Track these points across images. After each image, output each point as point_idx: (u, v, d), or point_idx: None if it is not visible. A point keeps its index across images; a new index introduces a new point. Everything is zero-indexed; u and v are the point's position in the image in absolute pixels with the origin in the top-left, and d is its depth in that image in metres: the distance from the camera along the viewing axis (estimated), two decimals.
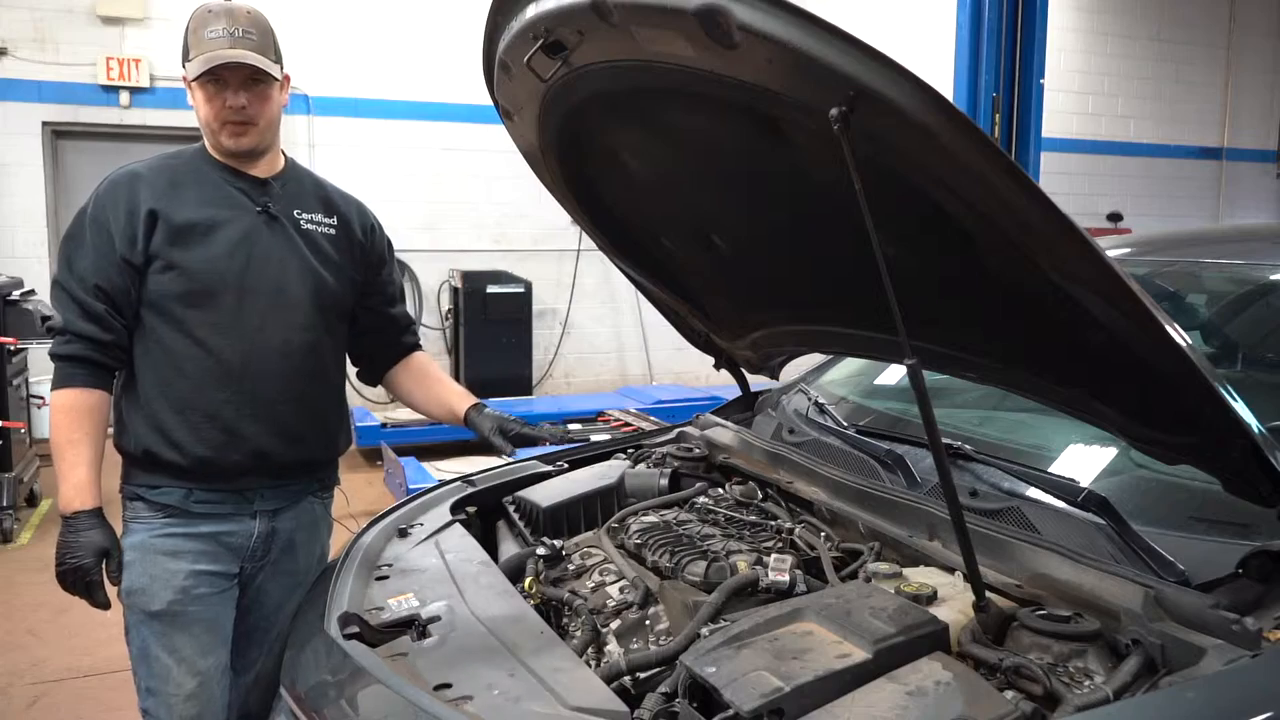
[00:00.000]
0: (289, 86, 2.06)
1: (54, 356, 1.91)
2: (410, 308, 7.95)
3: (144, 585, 1.95)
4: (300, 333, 2.02)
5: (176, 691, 1.95)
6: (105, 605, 1.91)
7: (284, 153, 2.12)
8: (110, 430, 1.99)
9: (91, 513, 1.89)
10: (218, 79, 1.91)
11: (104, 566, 1.88)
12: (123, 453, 2.01)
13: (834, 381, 2.57)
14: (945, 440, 1.58)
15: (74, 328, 1.90)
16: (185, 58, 1.93)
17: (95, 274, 1.90)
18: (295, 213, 2.06)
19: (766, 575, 1.58)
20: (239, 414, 1.96)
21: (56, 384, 1.92)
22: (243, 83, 1.92)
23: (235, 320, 1.96)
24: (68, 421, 1.90)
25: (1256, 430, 1.26)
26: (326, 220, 2.10)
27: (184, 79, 1.98)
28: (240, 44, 1.89)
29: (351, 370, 2.27)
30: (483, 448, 2.16)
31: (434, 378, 2.32)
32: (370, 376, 2.33)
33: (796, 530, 1.84)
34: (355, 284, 2.15)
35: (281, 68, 1.99)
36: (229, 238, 1.96)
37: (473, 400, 2.22)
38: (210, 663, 1.99)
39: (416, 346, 2.34)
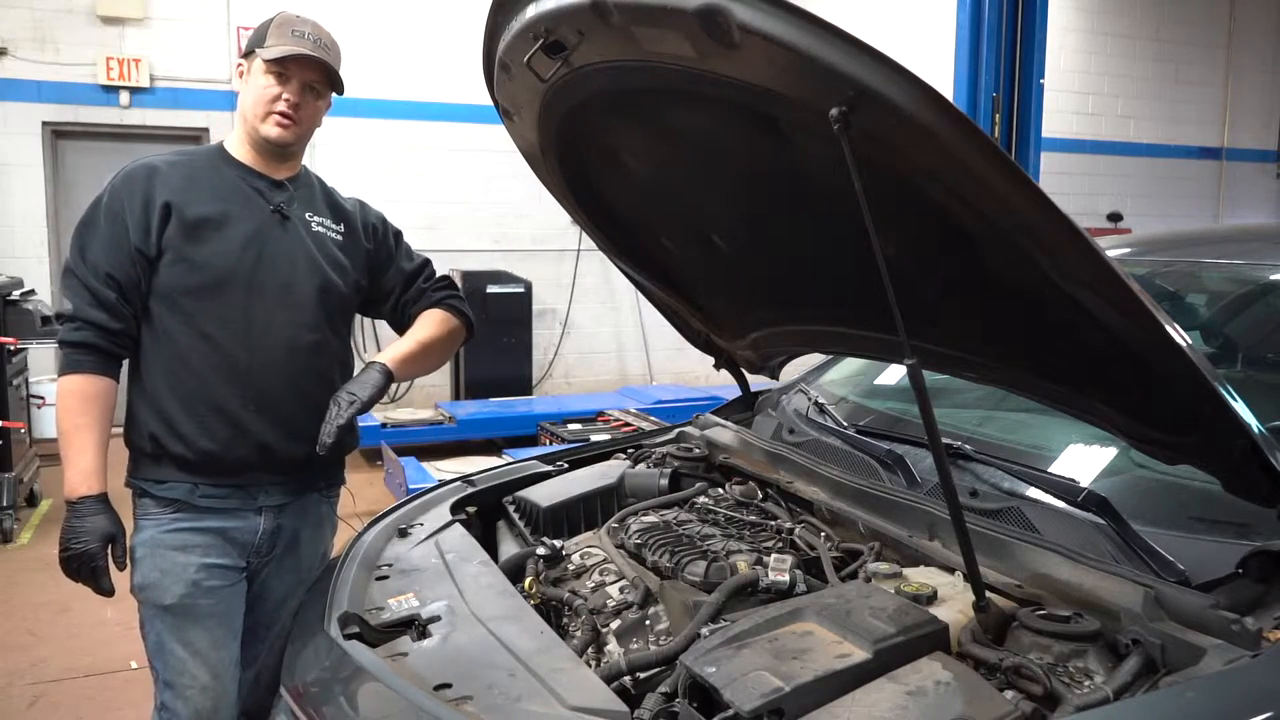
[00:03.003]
0: (327, 110, 2.12)
1: (62, 343, 1.93)
2: None
3: (155, 580, 1.97)
4: (306, 331, 2.04)
5: (192, 684, 1.97)
6: (109, 592, 1.91)
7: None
8: (121, 424, 2.01)
9: (97, 498, 1.90)
10: (284, 72, 1.98)
11: (109, 552, 1.89)
12: (130, 445, 2.03)
13: (834, 381, 2.57)
14: (945, 440, 1.58)
15: (84, 314, 1.92)
16: (258, 44, 1.99)
17: (108, 263, 1.92)
18: (307, 215, 2.09)
19: (766, 575, 1.58)
20: (244, 408, 1.97)
21: (64, 370, 1.93)
22: (303, 85, 2.00)
23: (243, 315, 1.98)
24: (74, 407, 1.91)
25: (1256, 430, 1.26)
26: (335, 226, 2.14)
27: (238, 68, 2.07)
28: (319, 51, 1.98)
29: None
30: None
31: (410, 329, 2.21)
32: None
33: (796, 530, 1.84)
34: (361, 288, 2.18)
35: (333, 95, 2.08)
36: (241, 234, 1.99)
37: (384, 359, 2.04)
38: (223, 655, 2.01)
39: (439, 304, 2.24)
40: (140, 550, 1.99)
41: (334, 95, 2.09)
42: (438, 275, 2.32)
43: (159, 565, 1.97)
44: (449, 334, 2.22)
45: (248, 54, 2.03)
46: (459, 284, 8.66)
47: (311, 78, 2.00)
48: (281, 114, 1.99)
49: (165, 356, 1.97)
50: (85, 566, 1.87)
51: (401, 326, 2.26)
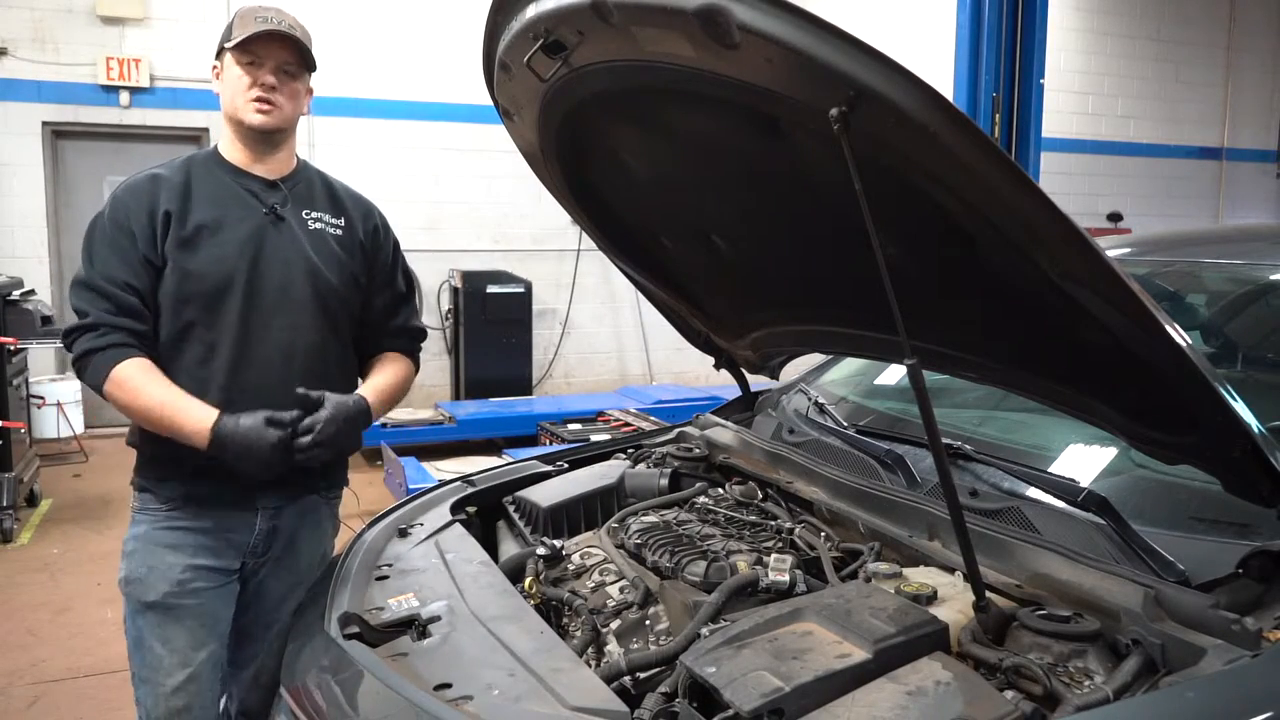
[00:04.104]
0: (310, 98, 2.11)
1: (90, 351, 1.89)
2: None
3: (142, 575, 1.98)
4: (305, 333, 2.04)
5: (166, 681, 1.98)
6: (309, 430, 1.88)
7: (296, 155, 2.16)
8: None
9: (219, 420, 1.85)
10: (254, 59, 1.98)
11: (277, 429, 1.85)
12: (134, 447, 2.04)
13: (834, 381, 2.57)
14: (945, 440, 1.58)
15: (107, 321, 1.89)
16: (225, 40, 2.00)
17: (123, 271, 1.92)
18: (304, 213, 2.08)
19: (766, 575, 1.58)
20: (243, 412, 1.96)
21: (106, 366, 1.88)
22: (276, 69, 2.00)
23: (240, 321, 1.97)
24: (143, 381, 1.88)
25: (1256, 430, 1.26)
26: (334, 220, 2.13)
27: (214, 69, 2.06)
28: (284, 29, 1.98)
29: None
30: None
31: (372, 371, 2.22)
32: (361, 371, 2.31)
33: (796, 530, 1.84)
34: (362, 285, 2.16)
35: (310, 76, 2.07)
36: (236, 238, 1.99)
37: (367, 394, 2.09)
38: (202, 656, 2.01)
39: (402, 350, 2.27)
40: (131, 545, 2.01)
41: (317, 89, 2.10)
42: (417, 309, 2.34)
43: (147, 561, 1.98)
44: (408, 383, 2.25)
45: (219, 55, 2.03)
46: (459, 284, 8.59)
47: (283, 58, 1.99)
48: (260, 99, 1.99)
49: (166, 362, 1.97)
50: (278, 451, 1.84)
51: (369, 348, 2.24)
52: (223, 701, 2.13)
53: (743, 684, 1.17)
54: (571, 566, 1.84)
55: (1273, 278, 2.25)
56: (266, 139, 2.04)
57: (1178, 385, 1.29)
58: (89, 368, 1.90)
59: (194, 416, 1.87)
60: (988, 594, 1.37)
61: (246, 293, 1.98)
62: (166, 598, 1.97)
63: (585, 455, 2.46)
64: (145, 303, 1.93)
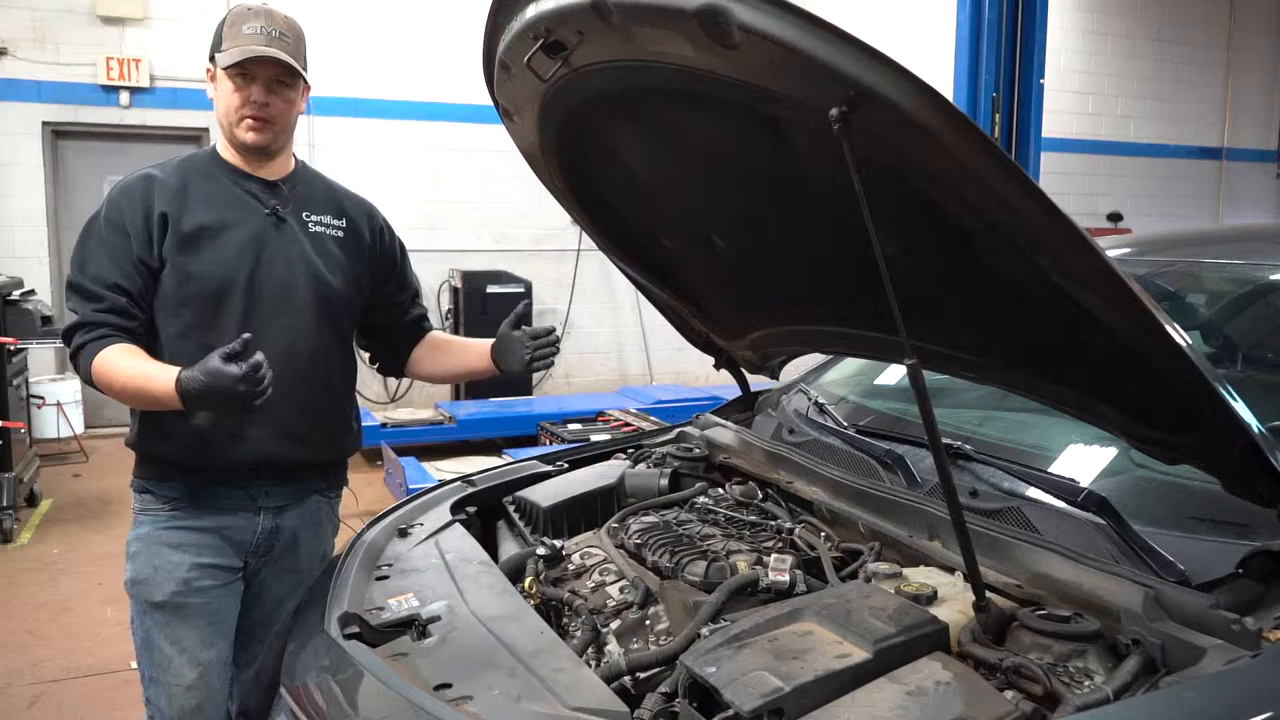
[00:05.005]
0: (308, 95, 2.08)
1: (81, 347, 1.88)
2: None
3: (148, 576, 1.98)
4: (306, 336, 2.03)
5: (177, 681, 1.98)
6: (262, 381, 1.70)
7: (295, 155, 2.14)
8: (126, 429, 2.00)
9: (179, 379, 1.74)
10: (246, 74, 1.94)
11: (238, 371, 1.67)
12: (133, 448, 2.04)
13: (834, 381, 2.57)
14: (945, 440, 1.58)
15: (93, 319, 1.88)
16: (216, 49, 1.96)
17: (113, 273, 1.90)
18: (304, 215, 2.07)
19: (766, 575, 1.58)
20: (243, 416, 1.96)
21: (90, 356, 1.86)
22: (269, 82, 1.95)
23: (240, 323, 1.96)
24: (121, 363, 1.83)
25: (1256, 430, 1.26)
26: (335, 222, 2.11)
27: (208, 71, 2.02)
28: (275, 44, 1.93)
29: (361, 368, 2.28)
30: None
31: (453, 343, 2.37)
32: (393, 369, 2.36)
33: (796, 530, 1.84)
34: (363, 288, 2.16)
35: (306, 77, 2.03)
36: (237, 240, 1.98)
37: (490, 342, 2.21)
38: (211, 654, 2.01)
39: (430, 328, 2.37)
40: (135, 545, 2.00)
41: (318, 89, 2.07)
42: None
43: (153, 561, 1.98)
44: None
45: (211, 59, 1.99)
46: (459, 284, 8.60)
47: (273, 72, 1.95)
48: (252, 117, 1.95)
49: (167, 363, 1.96)
50: (246, 382, 1.67)
51: (409, 339, 2.30)
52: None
53: (743, 684, 1.17)
54: (571, 566, 1.84)
55: (1273, 278, 2.25)
56: (262, 151, 2.02)
57: (1178, 385, 1.29)
58: (80, 363, 1.91)
59: (160, 379, 1.78)
60: (988, 594, 1.37)
61: (247, 295, 1.97)
62: (174, 597, 1.97)
63: (585, 455, 2.47)
64: (136, 302, 1.92)
